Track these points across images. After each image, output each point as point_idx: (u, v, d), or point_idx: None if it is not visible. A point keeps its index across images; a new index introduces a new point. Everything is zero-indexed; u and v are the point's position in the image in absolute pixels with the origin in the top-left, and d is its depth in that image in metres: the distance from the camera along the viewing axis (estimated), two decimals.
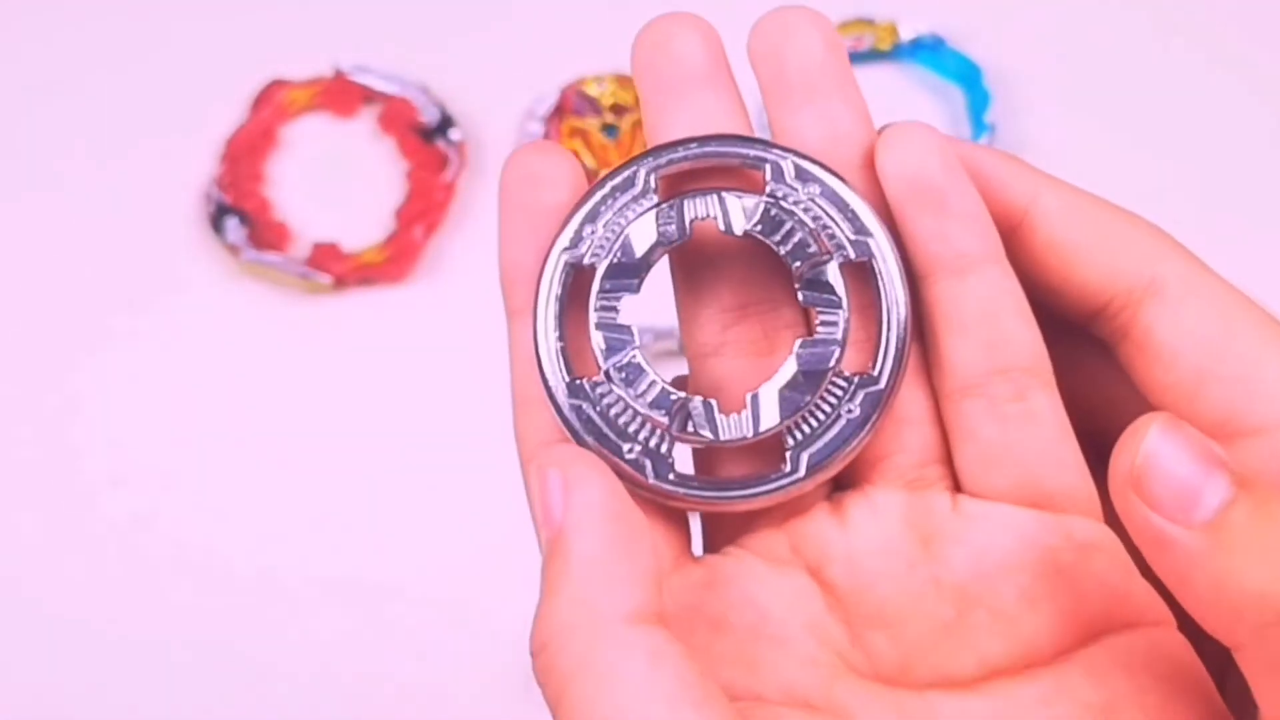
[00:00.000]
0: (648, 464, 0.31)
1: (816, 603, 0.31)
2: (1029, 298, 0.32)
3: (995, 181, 0.32)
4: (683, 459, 0.32)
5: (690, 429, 0.31)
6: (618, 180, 0.32)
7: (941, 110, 0.73)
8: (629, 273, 0.31)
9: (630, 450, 0.31)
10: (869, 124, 0.32)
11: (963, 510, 0.32)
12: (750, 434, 0.31)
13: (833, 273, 0.31)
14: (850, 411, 0.31)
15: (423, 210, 0.70)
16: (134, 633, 0.63)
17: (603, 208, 0.31)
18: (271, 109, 0.72)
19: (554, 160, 0.32)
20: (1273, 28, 0.75)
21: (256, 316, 0.69)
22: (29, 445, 0.67)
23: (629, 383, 0.31)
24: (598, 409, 0.31)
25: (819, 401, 0.31)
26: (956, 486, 0.32)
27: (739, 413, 0.31)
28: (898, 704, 0.30)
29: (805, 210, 0.31)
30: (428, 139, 0.72)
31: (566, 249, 0.31)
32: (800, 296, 0.31)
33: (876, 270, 0.32)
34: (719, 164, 0.32)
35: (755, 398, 0.31)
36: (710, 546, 0.33)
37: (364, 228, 0.70)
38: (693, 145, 0.32)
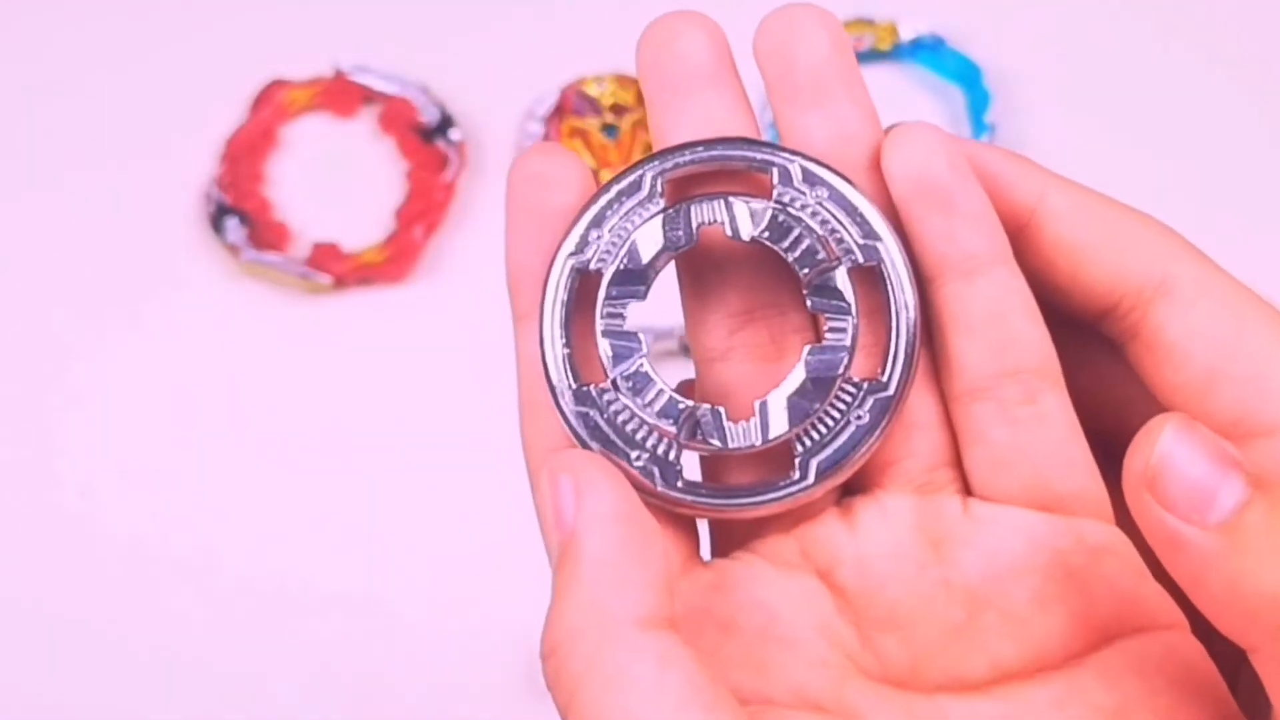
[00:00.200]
0: (656, 471, 0.31)
1: (826, 605, 0.31)
2: (1037, 298, 0.32)
3: (1002, 181, 0.32)
4: (691, 466, 0.31)
5: (699, 437, 0.31)
6: (623, 184, 0.31)
7: (941, 110, 0.73)
8: (635, 279, 0.31)
9: (638, 458, 0.31)
10: (876, 124, 0.32)
11: (973, 513, 0.31)
12: (759, 442, 0.31)
13: (841, 278, 0.31)
14: (859, 418, 0.31)
15: (423, 210, 0.70)
16: (133, 633, 0.63)
17: (608, 212, 0.31)
18: (271, 109, 0.72)
19: (561, 163, 0.31)
20: (1273, 28, 0.74)
21: (256, 316, 0.69)
22: (29, 445, 0.67)
23: (636, 391, 0.31)
24: (605, 416, 0.31)
25: (828, 408, 0.31)
26: (967, 490, 0.32)
27: (747, 420, 0.31)
28: (908, 706, 0.30)
29: (813, 215, 0.31)
30: (428, 139, 0.72)
31: (572, 254, 0.31)
32: (809, 303, 0.31)
33: (885, 275, 0.31)
34: (725, 167, 0.31)
35: (764, 405, 0.31)
36: (719, 552, 0.33)
37: (364, 228, 0.70)
38: (699, 148, 0.31)
